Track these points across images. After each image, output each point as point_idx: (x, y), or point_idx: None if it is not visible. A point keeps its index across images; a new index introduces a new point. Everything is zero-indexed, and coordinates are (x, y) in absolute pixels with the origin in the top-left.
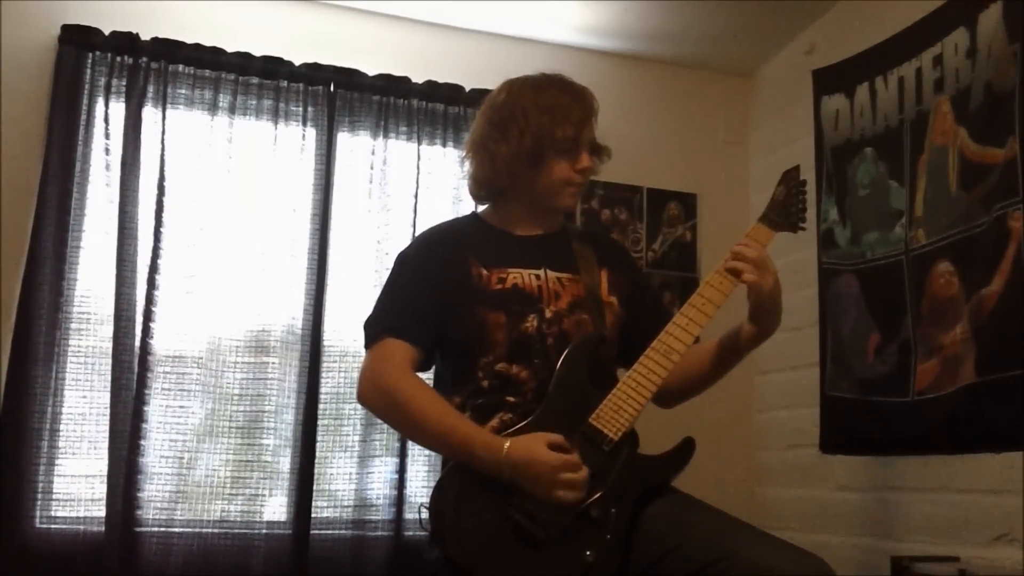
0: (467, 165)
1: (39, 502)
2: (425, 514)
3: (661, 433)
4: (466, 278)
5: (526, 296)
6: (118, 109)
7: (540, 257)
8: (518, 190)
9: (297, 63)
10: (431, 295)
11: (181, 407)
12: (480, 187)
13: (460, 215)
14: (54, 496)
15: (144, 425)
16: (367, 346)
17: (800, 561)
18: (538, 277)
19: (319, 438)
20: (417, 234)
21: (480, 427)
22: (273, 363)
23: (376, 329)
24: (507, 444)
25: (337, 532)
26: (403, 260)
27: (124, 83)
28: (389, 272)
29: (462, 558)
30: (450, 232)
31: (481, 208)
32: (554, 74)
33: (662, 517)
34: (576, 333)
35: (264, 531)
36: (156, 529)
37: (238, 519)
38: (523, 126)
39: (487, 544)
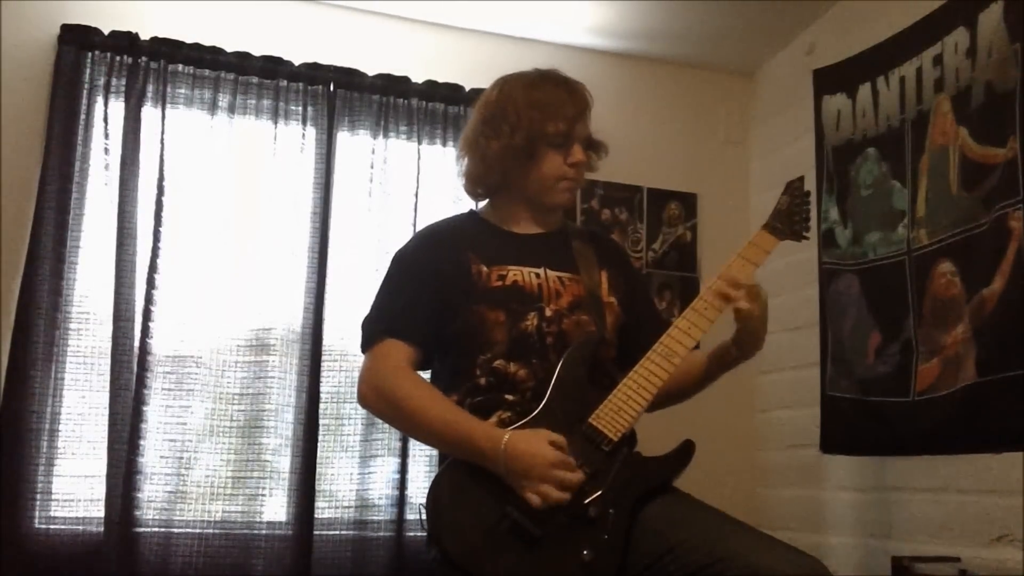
0: (461, 163)
1: (38, 502)
2: (424, 513)
3: (661, 433)
4: (466, 275)
5: (526, 294)
6: (117, 108)
7: (540, 256)
8: (511, 187)
9: (297, 63)
10: (430, 293)
11: (181, 407)
12: (474, 184)
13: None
14: (53, 496)
15: (144, 425)
16: (365, 347)
17: (797, 562)
18: (538, 276)
19: (320, 438)
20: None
21: (481, 420)
22: (273, 363)
23: (374, 329)
24: (507, 436)
25: (338, 532)
26: (400, 259)
27: (123, 82)
28: (386, 271)
29: (458, 556)
30: (448, 229)
31: (479, 206)
32: (548, 69)
33: (660, 517)
34: (576, 333)
35: (264, 531)
36: (156, 529)
37: (238, 519)
38: (514, 122)
39: (484, 542)
